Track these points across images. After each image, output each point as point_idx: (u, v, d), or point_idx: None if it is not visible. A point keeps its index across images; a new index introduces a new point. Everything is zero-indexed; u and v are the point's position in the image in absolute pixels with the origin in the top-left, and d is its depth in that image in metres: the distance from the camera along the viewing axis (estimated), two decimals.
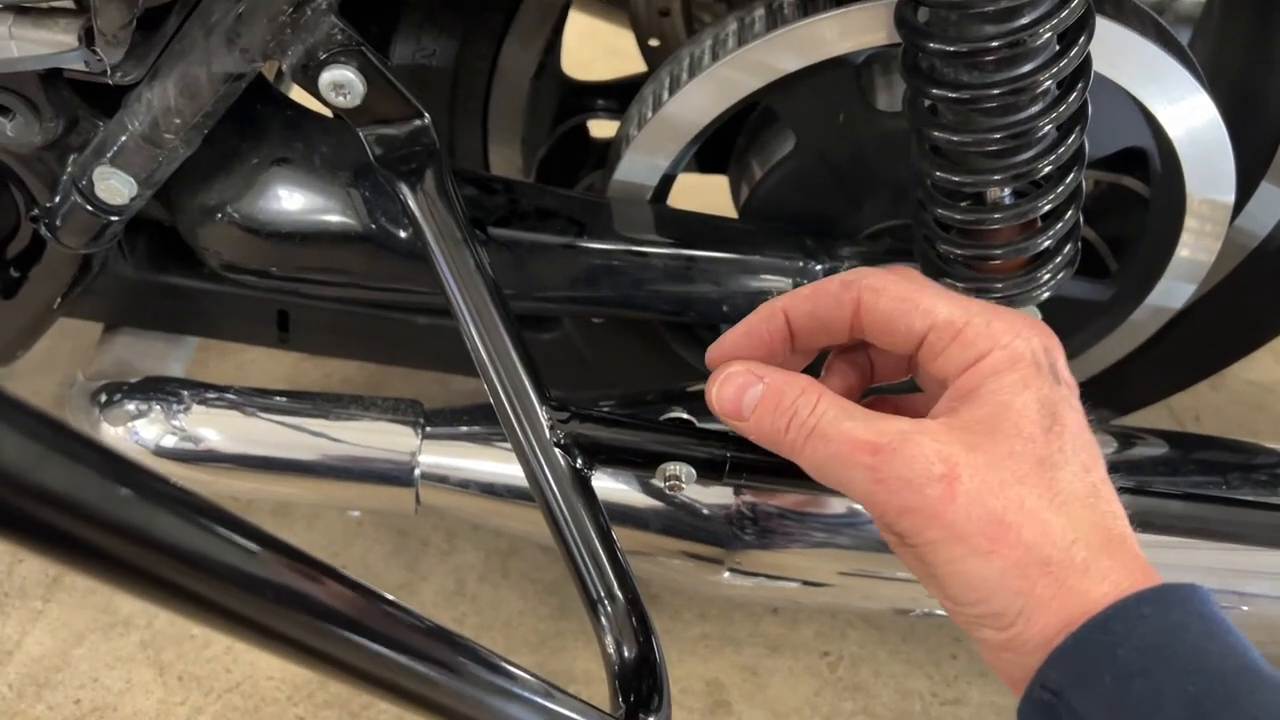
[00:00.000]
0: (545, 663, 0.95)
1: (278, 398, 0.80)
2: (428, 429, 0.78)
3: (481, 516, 0.80)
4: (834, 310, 0.50)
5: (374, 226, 0.72)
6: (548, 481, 0.60)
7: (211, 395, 0.81)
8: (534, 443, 0.61)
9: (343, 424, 0.78)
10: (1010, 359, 0.46)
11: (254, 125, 0.72)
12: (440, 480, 0.78)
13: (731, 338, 0.53)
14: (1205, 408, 1.22)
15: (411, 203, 0.65)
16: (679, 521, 0.77)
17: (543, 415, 0.61)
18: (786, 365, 0.52)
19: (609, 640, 0.59)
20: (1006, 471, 0.44)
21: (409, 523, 1.05)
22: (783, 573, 0.80)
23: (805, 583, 0.80)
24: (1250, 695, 0.40)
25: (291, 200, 0.72)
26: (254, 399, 0.81)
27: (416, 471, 0.77)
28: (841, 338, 0.51)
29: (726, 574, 0.79)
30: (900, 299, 0.48)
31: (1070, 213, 0.68)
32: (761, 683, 0.96)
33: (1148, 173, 0.80)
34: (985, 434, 0.45)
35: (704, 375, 0.54)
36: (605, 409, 0.63)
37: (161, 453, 0.80)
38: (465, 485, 0.78)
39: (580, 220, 0.73)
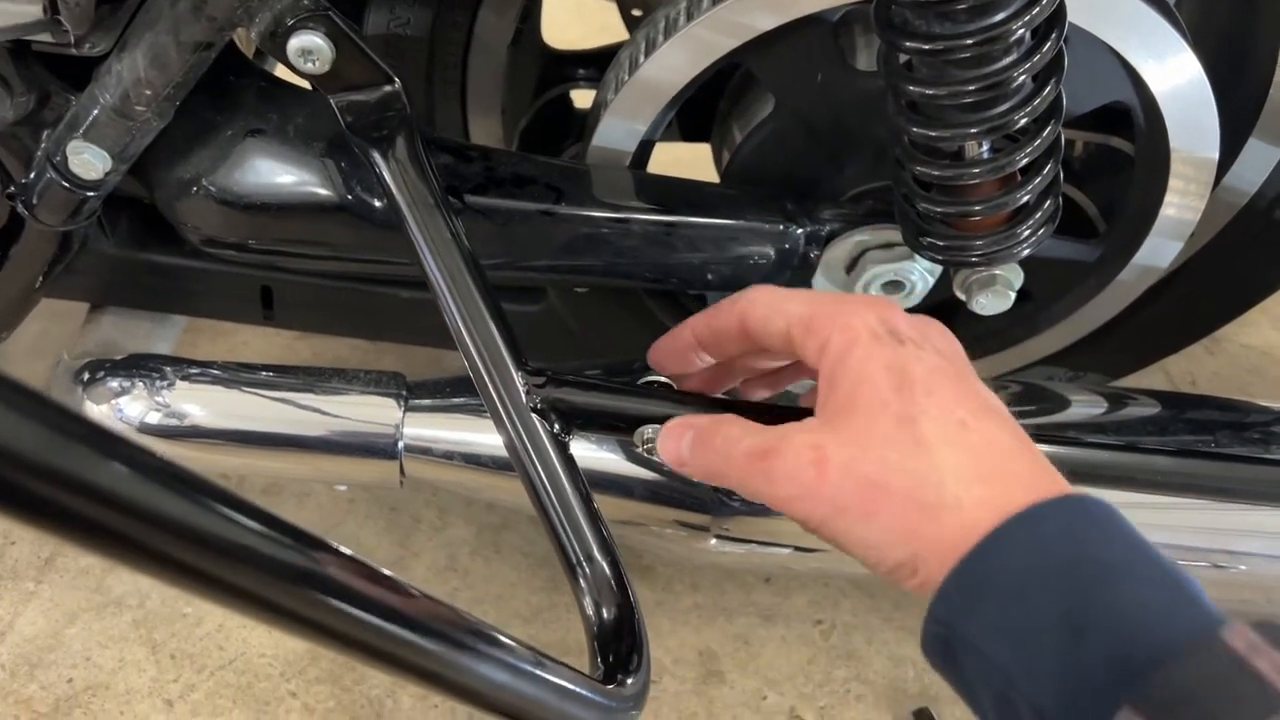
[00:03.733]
0: (538, 635, 0.95)
1: (261, 372, 0.80)
2: (410, 401, 0.78)
3: (467, 488, 0.80)
4: (727, 324, 0.57)
5: (350, 196, 0.71)
6: (525, 447, 0.60)
7: (195, 371, 0.80)
8: (511, 409, 0.60)
9: (325, 398, 0.78)
10: (849, 338, 0.50)
11: (227, 97, 0.72)
12: (424, 452, 0.77)
13: (654, 352, 0.62)
14: (1202, 372, 1.22)
15: (384, 170, 0.64)
16: (663, 488, 0.77)
17: (519, 381, 0.61)
18: (712, 372, 0.62)
19: (588, 602, 0.59)
20: (870, 438, 0.47)
21: (400, 499, 1.04)
22: (773, 538, 0.79)
23: (797, 548, 0.79)
24: (1115, 594, 0.40)
25: (266, 171, 0.71)
26: (238, 374, 0.80)
27: (400, 444, 0.77)
28: (743, 346, 0.57)
29: (714, 541, 0.79)
30: (768, 305, 0.54)
31: (1049, 166, 0.67)
32: (754, 651, 0.96)
33: (1131, 131, 0.80)
34: (846, 412, 0.48)
35: None
36: (583, 374, 0.63)
37: (146, 429, 0.79)
38: (449, 456, 0.77)
39: (558, 186, 0.73)
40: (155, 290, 0.90)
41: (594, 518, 0.60)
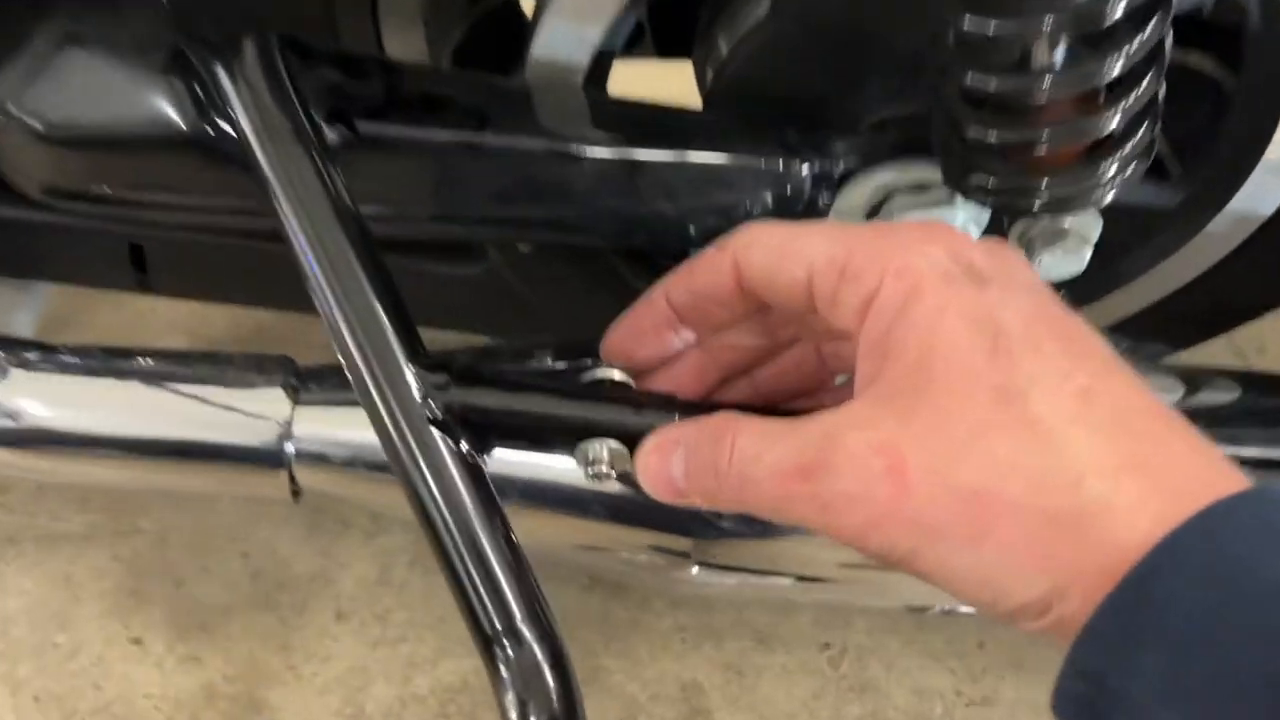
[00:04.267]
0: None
1: (116, 359, 0.63)
2: (302, 392, 0.60)
3: (376, 504, 0.63)
4: (714, 280, 0.43)
5: (205, 126, 0.54)
6: (419, 471, 0.43)
7: (33, 356, 0.63)
8: (399, 418, 0.43)
9: (194, 389, 0.61)
10: (910, 282, 0.37)
11: None
12: (320, 459, 0.60)
13: (616, 334, 0.47)
14: (1273, 336, 1.05)
15: (227, 86, 0.46)
16: (629, 504, 0.60)
17: (411, 378, 0.43)
18: (695, 365, 0.47)
19: (509, 698, 0.42)
20: (962, 426, 0.35)
21: (326, 500, 0.87)
22: (769, 565, 0.63)
23: (800, 578, 0.63)
24: None
25: (90, 93, 0.54)
26: (89, 360, 0.63)
27: (289, 447, 0.60)
28: (736, 308, 0.44)
29: (696, 570, 0.62)
30: (774, 249, 0.41)
31: (1149, 80, 0.49)
32: (748, 684, 0.80)
33: (1220, 49, 0.64)
34: (918, 391, 0.36)
35: None
36: (504, 368, 0.46)
37: None
38: (353, 464, 0.60)
39: (483, 110, 0.55)
40: (3, 252, 0.72)
41: (521, 573, 0.43)
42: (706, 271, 0.43)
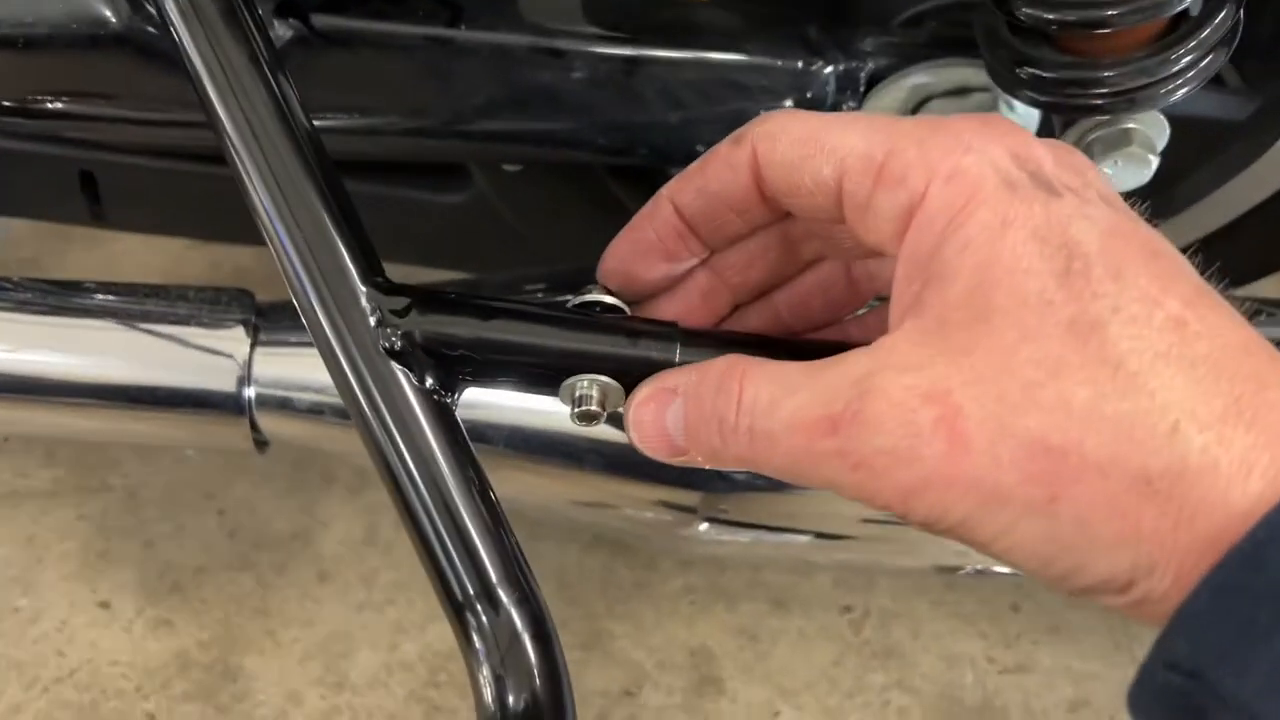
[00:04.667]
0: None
1: (64, 294, 0.57)
2: (262, 331, 0.54)
3: (346, 451, 0.57)
4: (729, 179, 0.37)
5: (136, 20, 0.47)
6: (375, 412, 0.36)
7: None
8: (350, 348, 0.37)
9: (146, 326, 0.54)
10: (964, 190, 0.31)
11: None
12: (283, 405, 0.54)
13: (616, 252, 0.40)
14: None
15: None
16: (630, 453, 0.53)
17: (364, 301, 0.37)
18: (702, 290, 0.40)
19: (484, 673, 0.35)
20: (1027, 368, 0.30)
21: (306, 452, 0.81)
22: (786, 522, 0.57)
23: (819, 535, 0.56)
24: None
25: None
26: (34, 295, 0.57)
27: (249, 391, 0.54)
28: (754, 214, 0.38)
29: (705, 526, 0.56)
30: (801, 141, 0.35)
31: None
32: (763, 650, 0.75)
33: None
34: (974, 324, 0.31)
35: None
36: (476, 294, 0.39)
37: None
38: (319, 410, 0.54)
39: (456, 0, 0.47)
40: None
41: (496, 529, 0.37)
42: (720, 169, 0.37)
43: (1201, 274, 0.33)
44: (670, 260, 0.39)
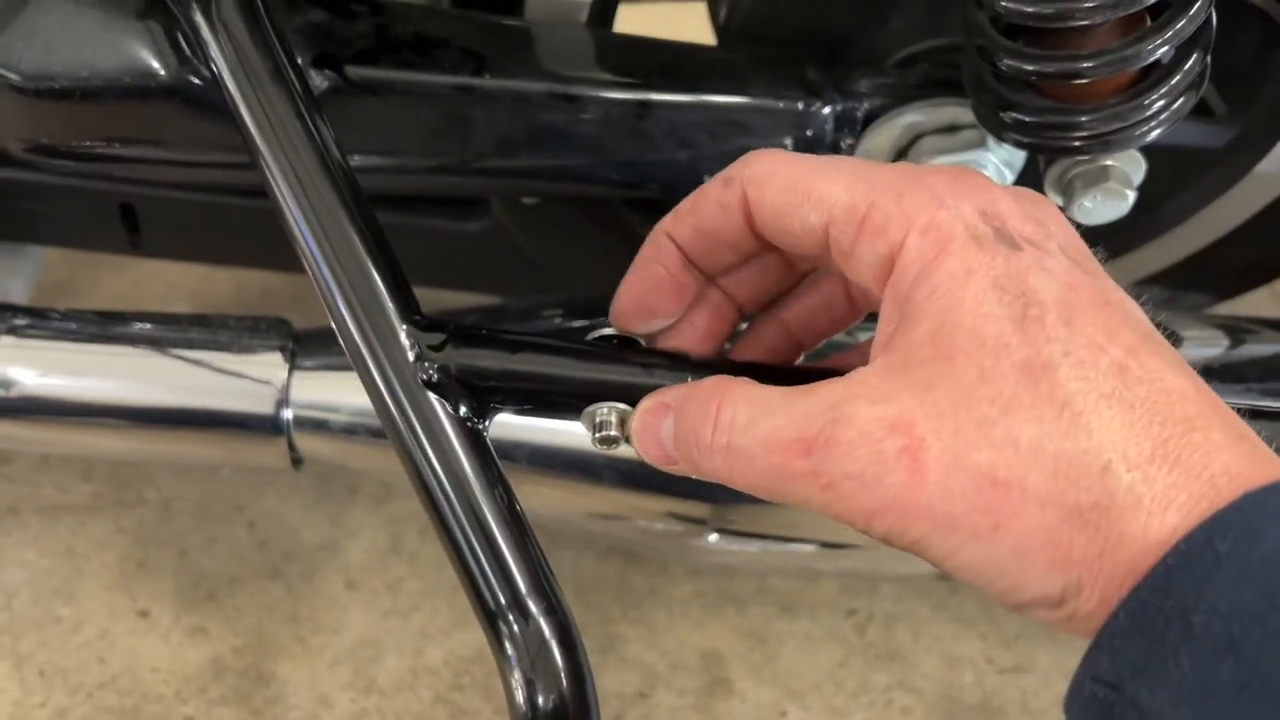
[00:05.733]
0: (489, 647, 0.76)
1: (109, 324, 0.60)
2: (299, 356, 0.58)
3: (383, 470, 0.60)
4: (722, 219, 0.39)
5: (186, 74, 0.50)
6: (415, 438, 0.40)
7: (23, 322, 0.61)
8: (392, 380, 0.40)
9: (188, 354, 0.58)
10: (935, 241, 0.34)
11: None
12: (319, 426, 0.58)
13: (626, 288, 0.42)
14: None
15: (203, 29, 0.43)
16: (644, 469, 0.56)
17: (404, 339, 0.40)
18: (708, 298, 0.43)
19: (516, 676, 0.39)
20: (982, 405, 0.32)
21: (334, 467, 0.85)
22: (792, 532, 0.60)
23: (824, 544, 0.60)
24: None
25: (63, 41, 0.50)
26: (79, 325, 0.60)
27: (286, 414, 0.57)
28: (748, 248, 0.40)
29: (714, 536, 0.59)
30: (789, 189, 0.37)
31: (1199, 4, 0.45)
32: (771, 652, 0.77)
33: None
34: (937, 361, 0.33)
35: None
36: (505, 328, 0.42)
37: None
38: (353, 430, 0.58)
39: (480, 51, 0.51)
40: None
41: (525, 544, 0.40)
42: (713, 210, 0.39)
43: (1155, 314, 0.36)
44: (679, 292, 0.42)
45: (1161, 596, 0.30)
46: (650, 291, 0.42)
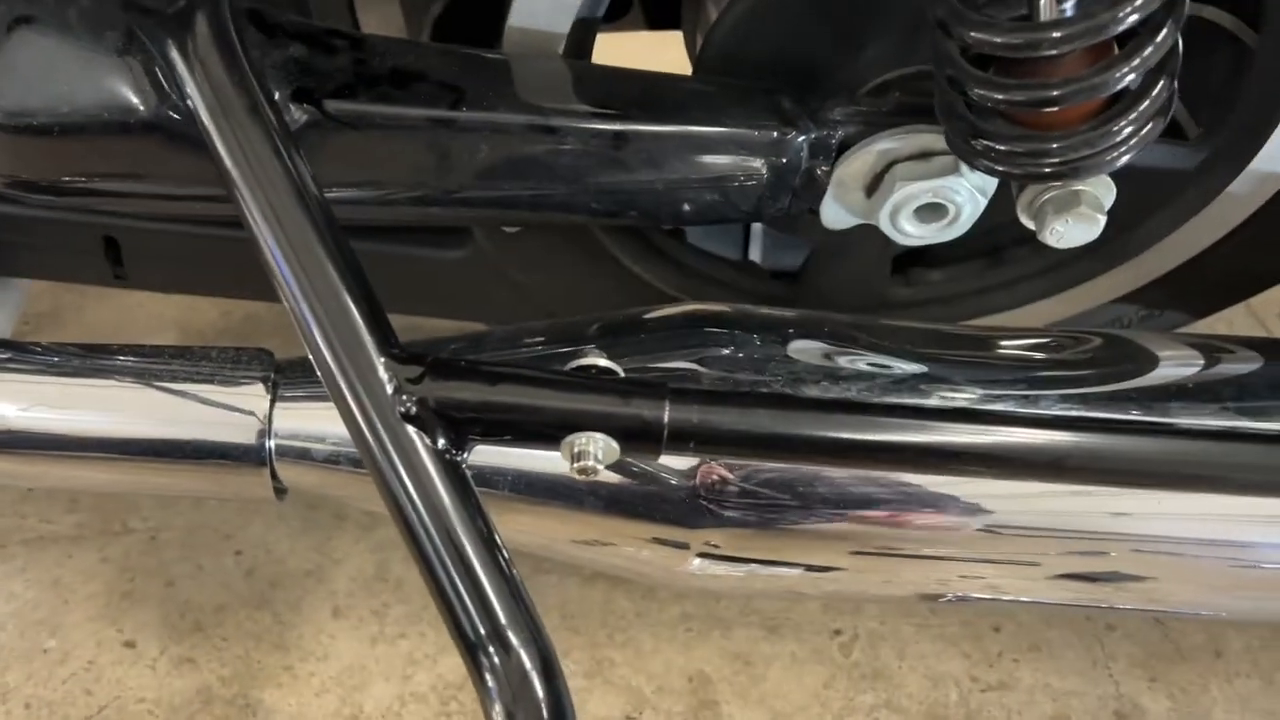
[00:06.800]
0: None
1: (91, 358, 0.60)
2: (281, 387, 0.58)
3: (365, 500, 0.60)
4: None
5: (165, 109, 0.51)
6: (393, 471, 0.40)
7: (5, 355, 0.61)
8: (371, 414, 0.41)
9: (170, 386, 0.58)
10: None
11: None
12: (302, 456, 0.58)
13: None
14: None
15: (178, 64, 0.44)
16: (625, 495, 0.57)
17: (382, 372, 0.40)
18: None
19: (496, 709, 0.39)
20: None
21: (320, 497, 0.85)
22: (776, 556, 0.60)
23: (808, 568, 0.60)
24: None
25: (43, 76, 0.51)
26: (62, 359, 0.60)
27: (269, 444, 0.57)
28: None
29: (697, 561, 0.59)
30: None
31: (1166, 31, 0.46)
32: (757, 674, 0.78)
33: (1240, 3, 0.62)
34: None
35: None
36: (482, 359, 0.43)
37: None
38: (335, 460, 0.58)
39: (458, 85, 0.52)
40: None
41: (504, 575, 0.40)
42: None
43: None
44: None
45: None
46: None
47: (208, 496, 0.79)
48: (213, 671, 0.76)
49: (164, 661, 0.77)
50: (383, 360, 0.41)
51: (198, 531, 0.83)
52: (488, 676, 0.40)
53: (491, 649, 0.40)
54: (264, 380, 0.58)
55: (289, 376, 0.59)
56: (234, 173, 0.42)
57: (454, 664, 0.77)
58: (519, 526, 0.58)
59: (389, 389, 0.40)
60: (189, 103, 0.43)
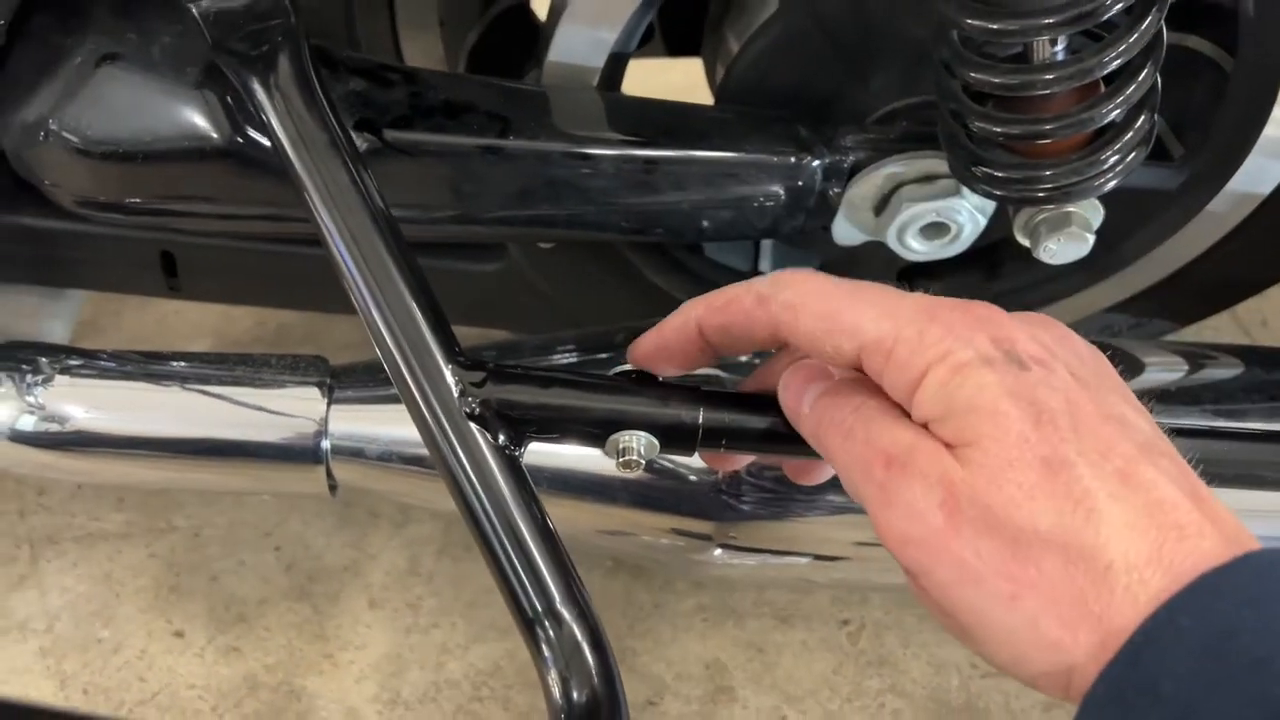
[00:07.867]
0: (517, 652, 0.81)
1: (155, 363, 0.65)
2: (336, 390, 0.63)
3: (412, 496, 0.65)
4: (749, 328, 0.44)
5: (237, 137, 0.56)
6: (460, 465, 0.45)
7: (76, 362, 0.65)
8: (440, 416, 0.45)
9: (231, 390, 0.63)
10: (953, 370, 0.38)
11: (74, 13, 0.56)
12: (355, 454, 0.63)
13: (645, 344, 0.47)
14: (1274, 310, 1.06)
15: (263, 99, 0.48)
16: (654, 490, 0.62)
17: (449, 377, 0.45)
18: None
19: (552, 677, 0.44)
20: (1009, 488, 0.36)
21: (364, 491, 0.90)
22: (788, 546, 0.65)
23: (817, 557, 0.65)
24: None
25: (126, 109, 0.56)
26: (129, 365, 0.65)
27: (325, 444, 0.62)
28: (768, 345, 0.45)
29: (718, 551, 0.64)
30: (821, 317, 0.41)
31: (1146, 71, 0.51)
32: (770, 661, 0.82)
33: (1219, 31, 0.66)
34: (971, 443, 0.38)
35: None
36: (536, 363, 0.48)
37: (18, 437, 0.64)
38: (386, 458, 0.63)
39: (504, 115, 0.57)
40: (36, 261, 0.75)
41: (558, 557, 0.45)
42: (743, 319, 0.43)
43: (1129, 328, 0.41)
44: (695, 359, 0.46)
45: (1131, 668, 0.33)
46: (669, 351, 0.46)
47: (267, 493, 0.84)
48: (258, 660, 0.81)
49: (211, 650, 0.81)
50: (450, 366, 0.45)
51: (238, 529, 0.88)
52: (544, 648, 0.44)
53: (547, 623, 0.44)
54: (319, 385, 0.63)
55: (343, 381, 0.63)
56: (314, 197, 0.47)
57: (484, 652, 0.82)
58: (557, 518, 0.63)
59: (455, 392, 0.45)
60: (271, 131, 0.48)
